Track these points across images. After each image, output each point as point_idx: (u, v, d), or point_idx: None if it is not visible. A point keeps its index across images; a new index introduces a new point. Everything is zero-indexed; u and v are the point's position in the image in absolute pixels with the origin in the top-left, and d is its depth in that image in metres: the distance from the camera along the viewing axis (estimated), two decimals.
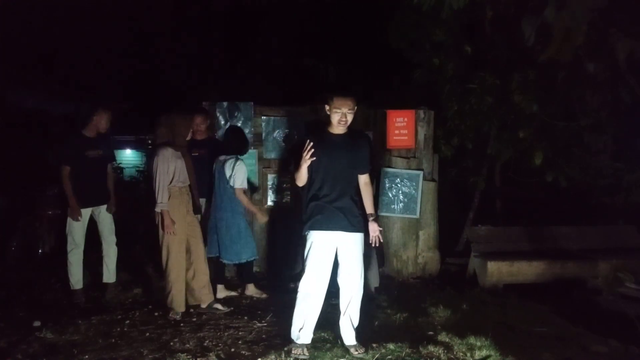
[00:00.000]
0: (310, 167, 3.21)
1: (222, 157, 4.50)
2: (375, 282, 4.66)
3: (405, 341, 3.39)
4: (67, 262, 4.45)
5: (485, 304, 4.34)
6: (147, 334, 3.68)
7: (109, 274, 4.68)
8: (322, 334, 3.51)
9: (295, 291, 3.31)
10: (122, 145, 13.00)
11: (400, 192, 5.41)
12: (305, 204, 3.30)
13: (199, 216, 4.35)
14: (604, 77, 3.87)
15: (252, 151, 5.35)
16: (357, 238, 3.26)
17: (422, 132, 5.46)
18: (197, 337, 3.61)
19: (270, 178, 5.44)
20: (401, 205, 5.42)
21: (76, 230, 4.42)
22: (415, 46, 5.96)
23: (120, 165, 10.03)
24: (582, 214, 6.24)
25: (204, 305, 4.15)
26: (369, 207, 3.36)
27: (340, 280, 3.30)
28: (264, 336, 3.66)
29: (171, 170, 3.93)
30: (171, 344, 3.49)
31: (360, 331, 3.37)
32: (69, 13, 7.53)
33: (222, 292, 4.60)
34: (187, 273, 4.11)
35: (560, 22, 2.50)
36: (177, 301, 4.03)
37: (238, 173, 4.39)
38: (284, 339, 3.48)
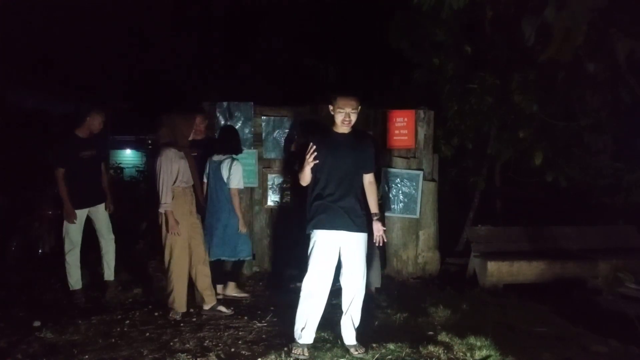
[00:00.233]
0: (314, 167, 3.23)
1: (216, 157, 4.51)
2: (376, 283, 4.66)
3: (405, 341, 3.39)
4: (65, 263, 4.45)
5: (485, 304, 4.34)
6: (147, 334, 3.67)
7: (110, 271, 4.69)
8: (322, 334, 3.51)
9: (298, 291, 3.31)
10: (122, 145, 13.03)
11: (400, 192, 5.41)
12: (309, 203, 3.31)
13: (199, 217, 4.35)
14: (604, 77, 3.87)
15: (252, 151, 5.36)
16: (360, 238, 3.26)
17: (422, 132, 5.46)
18: (197, 337, 3.61)
19: (270, 178, 5.44)
20: (401, 205, 5.42)
21: (73, 232, 4.42)
22: (415, 46, 5.96)
23: (120, 165, 10.06)
24: (582, 214, 6.25)
25: (206, 307, 4.14)
26: (373, 207, 3.38)
27: (342, 279, 3.30)
28: (264, 336, 3.66)
29: (175, 171, 3.92)
30: (171, 344, 3.49)
31: (360, 331, 3.37)
32: (68, 13, 7.52)
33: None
34: (189, 274, 4.12)
35: (560, 22, 2.50)
36: (179, 302, 4.03)
37: (235, 173, 4.40)
38: (283, 339, 3.49)
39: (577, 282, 4.99)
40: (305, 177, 3.28)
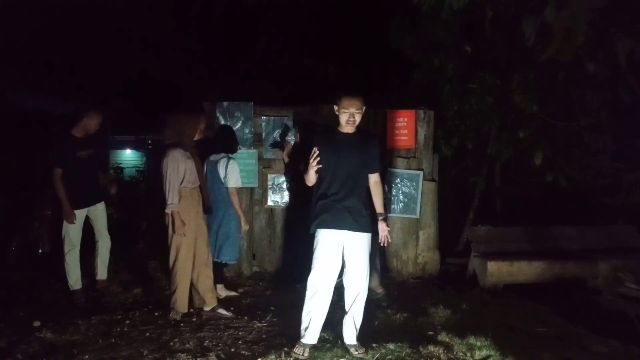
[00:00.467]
0: (319, 168, 3.24)
1: (212, 157, 4.51)
2: (375, 283, 4.66)
3: (405, 341, 3.39)
4: (64, 263, 4.45)
5: (485, 304, 4.34)
6: (147, 334, 3.67)
7: (103, 270, 4.70)
8: (323, 334, 3.49)
9: (303, 291, 3.32)
10: (122, 145, 13.02)
11: (400, 192, 5.41)
12: (313, 202, 3.32)
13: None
14: (604, 77, 3.87)
15: (252, 151, 5.36)
16: (363, 238, 3.26)
17: (422, 132, 5.46)
18: (197, 337, 3.61)
19: (270, 178, 5.44)
20: (401, 205, 5.42)
21: (72, 232, 4.42)
22: (415, 46, 5.96)
23: (120, 165, 10.05)
24: (582, 214, 6.25)
25: (207, 309, 4.13)
26: (378, 207, 3.37)
27: (345, 279, 3.30)
28: (264, 336, 3.66)
29: (182, 171, 3.90)
30: (171, 344, 3.49)
31: (360, 331, 3.37)
32: (69, 13, 7.52)
33: (222, 292, 4.60)
34: (192, 275, 4.11)
35: (560, 22, 2.50)
36: (181, 302, 4.02)
37: (232, 172, 4.40)
38: (284, 339, 3.49)
39: (577, 282, 4.99)
40: (311, 179, 3.30)
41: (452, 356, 3.24)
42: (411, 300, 4.47)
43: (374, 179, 3.37)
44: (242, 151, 5.30)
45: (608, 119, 5.34)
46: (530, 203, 6.61)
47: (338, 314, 3.46)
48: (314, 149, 3.23)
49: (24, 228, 5.71)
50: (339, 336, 3.39)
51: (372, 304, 4.16)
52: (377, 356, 3.21)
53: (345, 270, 3.30)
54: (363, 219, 3.25)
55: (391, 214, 5.41)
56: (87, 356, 3.28)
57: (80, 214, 4.44)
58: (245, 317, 4.06)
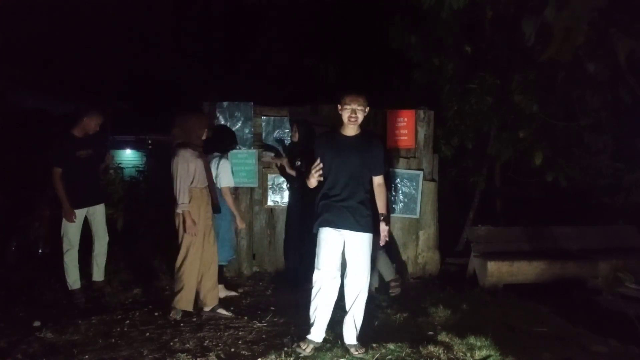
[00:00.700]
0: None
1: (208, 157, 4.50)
2: (375, 283, 4.66)
3: (405, 341, 3.39)
4: (63, 263, 4.45)
5: (485, 304, 4.34)
6: (147, 334, 3.67)
7: (100, 272, 4.70)
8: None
9: (309, 289, 3.35)
10: (122, 145, 13.01)
11: (400, 192, 5.41)
12: (316, 202, 3.34)
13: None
14: (604, 77, 3.86)
15: (252, 151, 5.36)
16: (364, 238, 3.26)
17: (422, 132, 5.46)
18: (197, 337, 3.60)
19: (270, 178, 5.44)
20: (401, 205, 5.42)
21: (71, 232, 4.42)
22: (415, 46, 5.96)
23: (120, 165, 10.04)
24: (582, 214, 6.25)
25: (207, 309, 4.12)
26: (381, 208, 3.37)
27: (346, 279, 3.31)
28: (264, 336, 3.66)
29: (192, 171, 3.89)
30: (171, 344, 3.49)
31: (360, 331, 3.37)
32: (69, 13, 7.52)
33: (222, 292, 4.60)
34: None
35: (560, 22, 2.49)
36: (186, 300, 4.00)
37: (223, 172, 4.36)
38: (284, 339, 3.49)
39: (577, 282, 4.99)
40: (312, 184, 3.31)
41: (452, 356, 3.24)
42: (411, 300, 4.47)
43: (377, 181, 3.37)
44: (242, 151, 5.30)
45: (608, 119, 5.34)
46: (530, 203, 6.60)
47: (338, 314, 3.46)
48: (317, 160, 3.25)
49: (24, 228, 5.71)
50: (339, 336, 3.39)
51: (372, 304, 4.16)
52: (377, 356, 3.21)
53: (346, 270, 3.31)
54: (364, 219, 3.25)
55: (391, 214, 5.41)
56: (87, 356, 3.28)
57: (79, 213, 4.44)
58: (245, 317, 4.06)
